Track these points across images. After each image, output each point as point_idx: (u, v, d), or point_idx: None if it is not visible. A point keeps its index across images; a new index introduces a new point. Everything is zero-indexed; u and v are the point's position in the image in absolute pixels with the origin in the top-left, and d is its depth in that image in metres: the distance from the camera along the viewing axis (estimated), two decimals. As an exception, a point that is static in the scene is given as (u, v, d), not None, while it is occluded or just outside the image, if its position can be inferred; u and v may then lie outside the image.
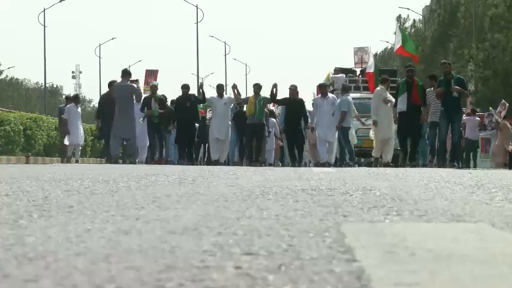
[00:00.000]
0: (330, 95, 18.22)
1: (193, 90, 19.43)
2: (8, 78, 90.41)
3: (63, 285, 1.53)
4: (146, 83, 22.70)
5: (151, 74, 23.71)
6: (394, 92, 16.79)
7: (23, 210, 3.13)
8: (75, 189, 4.55)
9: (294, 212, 3.12)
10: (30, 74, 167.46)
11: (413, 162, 15.98)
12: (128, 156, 17.83)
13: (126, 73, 17.49)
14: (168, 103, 19.46)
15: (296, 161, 17.68)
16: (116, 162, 16.49)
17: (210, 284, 1.55)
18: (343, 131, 17.53)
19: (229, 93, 20.21)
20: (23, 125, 24.69)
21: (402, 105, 16.15)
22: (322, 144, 17.78)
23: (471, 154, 24.02)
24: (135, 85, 17.52)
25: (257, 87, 18.35)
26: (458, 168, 15.10)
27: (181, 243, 2.12)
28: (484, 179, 6.56)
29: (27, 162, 21.49)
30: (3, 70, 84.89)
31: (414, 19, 64.47)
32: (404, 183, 5.66)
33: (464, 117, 24.66)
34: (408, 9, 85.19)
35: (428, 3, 61.42)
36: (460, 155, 17.05)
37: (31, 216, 2.89)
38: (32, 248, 2.03)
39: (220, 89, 19.14)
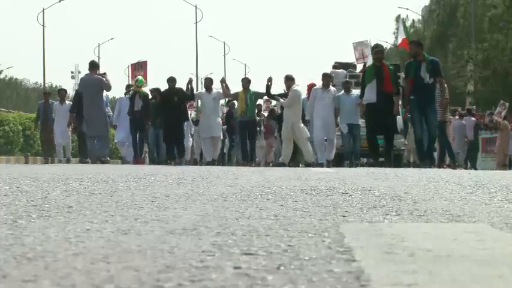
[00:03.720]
0: (331, 87, 16.29)
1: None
2: (7, 79, 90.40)
3: (62, 285, 1.53)
4: (133, 77, 21.27)
5: (138, 68, 22.00)
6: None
7: (22, 210, 3.13)
8: (74, 189, 4.55)
9: (293, 212, 3.11)
10: (29, 74, 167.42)
11: (388, 160, 13.71)
12: (97, 152, 16.25)
13: (94, 65, 16.30)
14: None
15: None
16: (96, 163, 15.49)
17: (209, 284, 1.55)
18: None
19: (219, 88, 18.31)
20: (22, 125, 24.72)
21: (370, 95, 13.48)
22: (319, 144, 16.05)
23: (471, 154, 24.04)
24: (103, 78, 16.23)
25: (246, 82, 17.04)
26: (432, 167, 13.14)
27: (180, 244, 2.12)
28: (483, 179, 6.55)
29: (26, 163, 21.48)
30: (2, 70, 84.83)
31: (413, 19, 64.47)
32: (403, 184, 5.66)
33: (456, 121, 24.59)
34: (407, 9, 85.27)
35: (427, 4, 61.40)
36: (432, 153, 14.10)
37: (30, 216, 2.89)
38: (31, 248, 2.03)
39: (208, 82, 17.70)
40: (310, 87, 17.12)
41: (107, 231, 2.41)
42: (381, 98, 13.30)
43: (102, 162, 16.22)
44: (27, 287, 1.53)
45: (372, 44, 21.15)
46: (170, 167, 11.75)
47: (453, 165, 15.92)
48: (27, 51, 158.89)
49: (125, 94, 18.18)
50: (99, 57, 65.55)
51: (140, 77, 18.38)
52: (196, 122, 19.70)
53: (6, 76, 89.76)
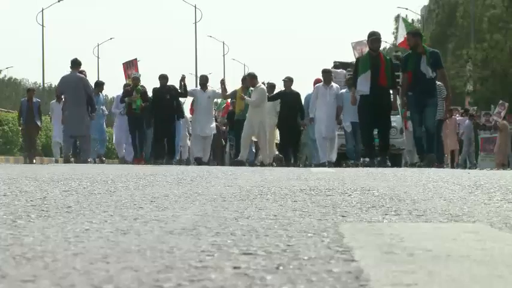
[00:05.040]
0: (334, 84, 15.96)
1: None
2: (6, 78, 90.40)
3: (61, 285, 1.53)
4: (127, 76, 20.96)
5: (130, 66, 21.57)
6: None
7: (21, 211, 3.13)
8: (73, 189, 4.55)
9: (293, 212, 3.11)
10: (28, 74, 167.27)
11: (383, 159, 12.97)
12: (80, 153, 16.06)
13: (76, 63, 15.72)
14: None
15: (290, 161, 16.18)
16: (68, 162, 15.05)
17: (209, 284, 1.55)
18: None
19: (215, 87, 18.21)
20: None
21: (364, 87, 12.55)
22: (322, 142, 15.83)
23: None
24: (86, 77, 15.90)
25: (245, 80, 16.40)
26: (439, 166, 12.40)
27: (180, 244, 2.12)
28: (483, 179, 6.55)
29: (25, 163, 21.46)
30: (1, 70, 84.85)
31: (413, 19, 64.40)
32: (402, 183, 5.66)
33: (466, 121, 24.56)
34: (407, 9, 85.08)
35: (426, 3, 61.44)
36: (433, 150, 12.83)
37: (29, 217, 2.89)
38: (30, 248, 2.03)
39: (203, 80, 17.40)
40: (316, 83, 16.71)
41: (106, 231, 2.41)
42: (375, 91, 12.46)
43: (102, 161, 16.10)
44: (27, 287, 1.52)
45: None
46: (170, 167, 11.73)
47: (441, 165, 15.67)
48: (26, 51, 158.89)
49: (124, 109, 18.05)
50: (98, 57, 65.60)
51: (138, 74, 18.20)
52: None
53: (5, 76, 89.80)
